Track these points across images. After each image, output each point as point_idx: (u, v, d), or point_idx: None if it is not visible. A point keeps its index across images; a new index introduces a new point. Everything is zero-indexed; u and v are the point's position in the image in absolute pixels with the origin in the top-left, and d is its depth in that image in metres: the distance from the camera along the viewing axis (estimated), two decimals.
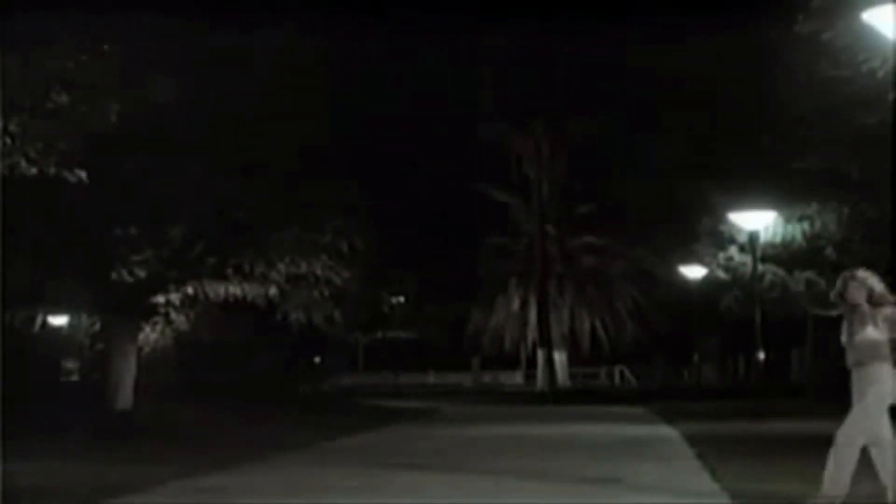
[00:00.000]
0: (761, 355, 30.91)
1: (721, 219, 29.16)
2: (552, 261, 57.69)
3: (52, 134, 16.26)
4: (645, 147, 44.13)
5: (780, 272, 28.02)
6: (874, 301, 9.85)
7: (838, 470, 9.82)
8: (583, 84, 51.21)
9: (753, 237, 27.41)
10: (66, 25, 16.47)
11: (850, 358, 9.95)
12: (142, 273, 23.86)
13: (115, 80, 17.10)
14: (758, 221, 27.26)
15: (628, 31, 43.46)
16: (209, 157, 22.28)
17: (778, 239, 28.02)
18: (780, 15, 20.69)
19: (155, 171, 21.63)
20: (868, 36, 15.33)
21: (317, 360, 45.72)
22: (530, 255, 57.64)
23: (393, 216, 36.66)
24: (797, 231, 27.60)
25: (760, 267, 27.92)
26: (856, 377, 9.92)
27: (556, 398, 45.68)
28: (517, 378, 64.13)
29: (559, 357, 57.68)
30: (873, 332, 9.76)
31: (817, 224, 27.08)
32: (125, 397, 25.40)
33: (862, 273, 10.15)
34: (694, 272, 34.90)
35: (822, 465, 10.21)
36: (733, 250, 29.55)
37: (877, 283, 9.93)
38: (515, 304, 57.62)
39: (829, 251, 27.06)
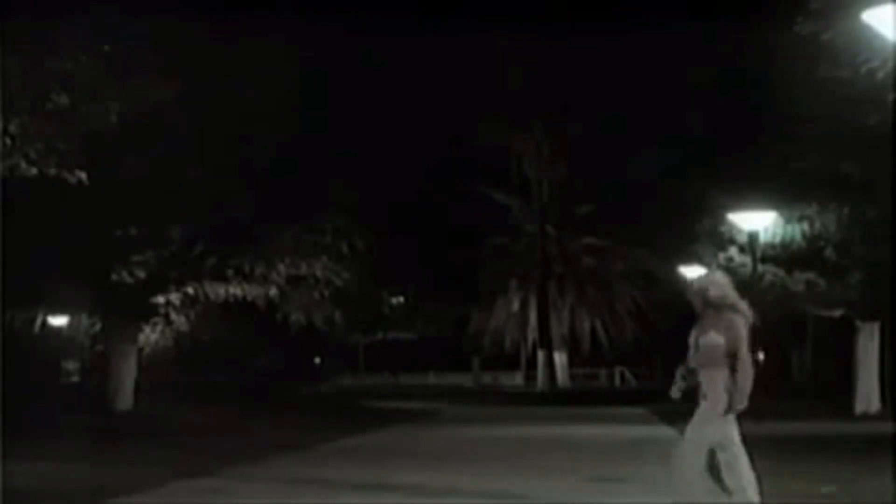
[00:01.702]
0: (761, 356, 30.90)
1: (721, 219, 29.14)
2: (552, 261, 57.71)
3: (52, 134, 16.26)
4: (645, 147, 44.19)
5: (780, 273, 28.00)
6: (713, 305, 9.84)
7: (681, 476, 9.84)
8: (583, 85, 51.26)
9: (753, 238, 27.38)
10: (66, 26, 16.47)
11: (694, 360, 10.00)
12: (142, 273, 23.88)
13: (114, 80, 17.10)
14: (757, 222, 27.23)
15: (628, 31, 43.50)
16: (209, 157, 22.29)
17: (777, 239, 28.01)
18: (779, 15, 20.69)
19: (155, 171, 21.64)
20: (868, 36, 15.33)
21: (317, 360, 45.71)
22: (530, 256, 57.66)
23: (393, 217, 36.64)
24: (797, 232, 27.59)
25: (760, 267, 27.90)
26: (701, 379, 9.98)
27: (556, 399, 45.69)
28: (517, 379, 64.12)
29: (559, 358, 57.71)
30: (715, 337, 9.77)
31: (817, 225, 27.06)
32: (125, 398, 25.41)
33: (701, 278, 10.12)
34: (694, 273, 34.86)
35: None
36: (733, 251, 29.51)
37: (715, 289, 9.88)
38: (516, 305, 57.62)
39: (828, 252, 27.04)
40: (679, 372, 10.21)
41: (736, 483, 9.77)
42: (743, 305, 9.88)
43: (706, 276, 10.16)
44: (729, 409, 9.71)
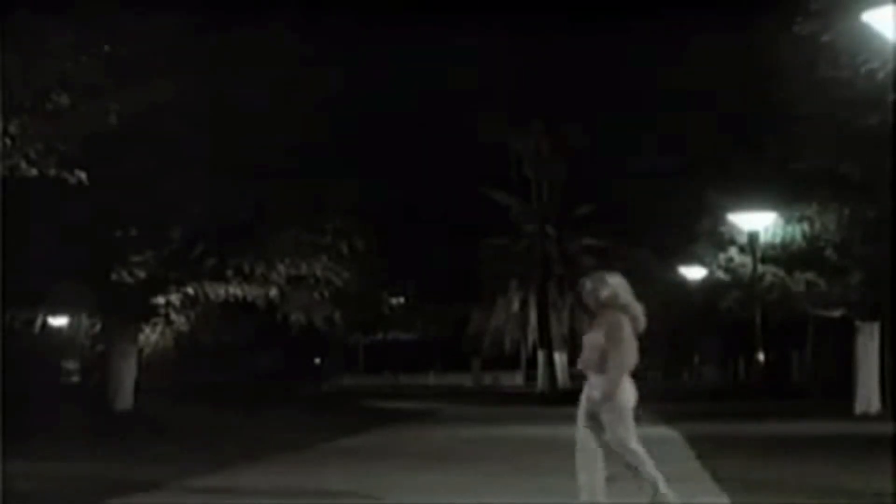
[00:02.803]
0: (761, 356, 30.92)
1: (721, 220, 29.17)
2: (552, 262, 57.71)
3: (52, 135, 16.26)
4: (644, 148, 44.13)
5: (780, 273, 28.01)
6: (605, 306, 9.80)
7: (645, 469, 9.82)
8: (583, 84, 51.29)
9: (753, 238, 27.42)
10: (66, 26, 16.47)
11: (580, 360, 9.98)
12: (142, 274, 23.87)
13: (114, 80, 17.10)
14: (757, 222, 27.27)
15: (628, 31, 43.51)
16: (209, 157, 22.29)
17: (778, 240, 28.02)
18: (779, 16, 20.70)
19: (155, 171, 21.63)
20: (868, 37, 15.34)
21: (317, 360, 45.72)
22: (530, 256, 57.66)
23: (393, 217, 36.64)
24: (797, 232, 27.60)
25: (760, 268, 27.93)
26: (589, 378, 9.95)
27: (556, 399, 45.66)
28: (517, 379, 64.13)
29: (559, 358, 57.69)
30: (597, 336, 9.74)
31: (817, 225, 27.07)
32: (125, 398, 25.41)
33: (594, 279, 10.03)
34: (694, 273, 34.91)
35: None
36: (733, 251, 29.53)
37: (606, 290, 9.83)
38: (515, 305, 57.62)
39: (829, 252, 27.05)
40: None
41: (585, 480, 9.85)
42: (636, 308, 9.83)
43: (598, 276, 10.02)
44: (611, 409, 9.74)
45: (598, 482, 9.94)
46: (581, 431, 10.00)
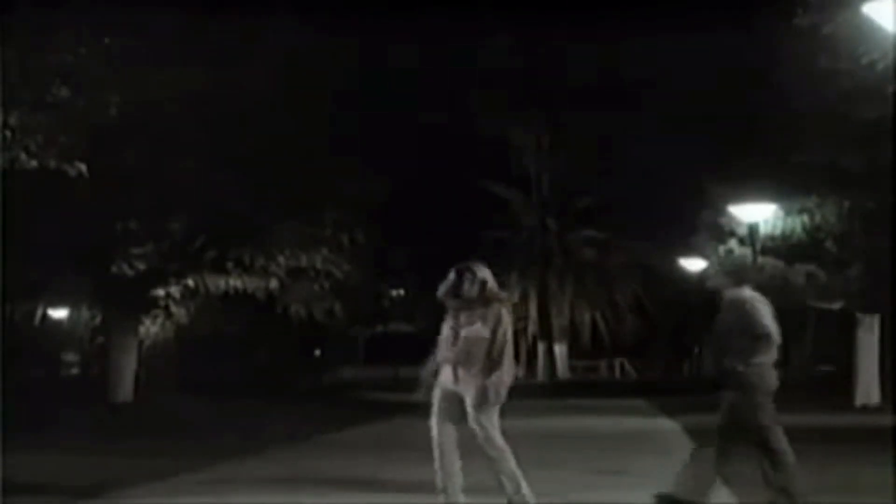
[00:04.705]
0: None
1: (721, 211, 29.16)
2: (552, 254, 57.73)
3: (52, 127, 16.26)
4: (645, 140, 44.14)
5: (780, 265, 28.01)
6: (486, 297, 9.74)
7: (508, 466, 9.78)
8: (583, 77, 51.28)
9: (753, 230, 27.41)
10: (66, 19, 16.47)
11: (452, 354, 9.89)
12: (142, 266, 23.88)
13: (114, 73, 17.11)
14: (757, 214, 27.24)
15: (628, 24, 43.50)
16: (209, 150, 22.28)
17: (778, 232, 28.01)
18: (779, 8, 20.70)
19: (155, 164, 21.64)
20: (868, 29, 15.34)
21: (317, 353, 45.70)
22: (530, 249, 57.66)
23: (394, 209, 36.63)
24: (797, 224, 27.59)
25: (760, 259, 27.92)
26: (461, 374, 9.88)
27: (556, 391, 45.70)
28: (518, 370, 64.13)
29: (559, 350, 57.74)
30: (478, 330, 9.68)
31: (817, 217, 27.06)
32: (125, 390, 25.43)
33: (476, 267, 9.89)
34: (694, 265, 34.91)
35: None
36: (733, 243, 29.52)
37: (490, 278, 9.78)
38: (516, 298, 57.61)
39: (829, 244, 27.04)
40: (425, 370, 10.10)
41: (446, 482, 9.80)
42: (502, 296, 9.82)
43: (477, 265, 9.92)
44: (488, 404, 9.74)
45: (458, 483, 9.89)
46: (444, 427, 9.96)
